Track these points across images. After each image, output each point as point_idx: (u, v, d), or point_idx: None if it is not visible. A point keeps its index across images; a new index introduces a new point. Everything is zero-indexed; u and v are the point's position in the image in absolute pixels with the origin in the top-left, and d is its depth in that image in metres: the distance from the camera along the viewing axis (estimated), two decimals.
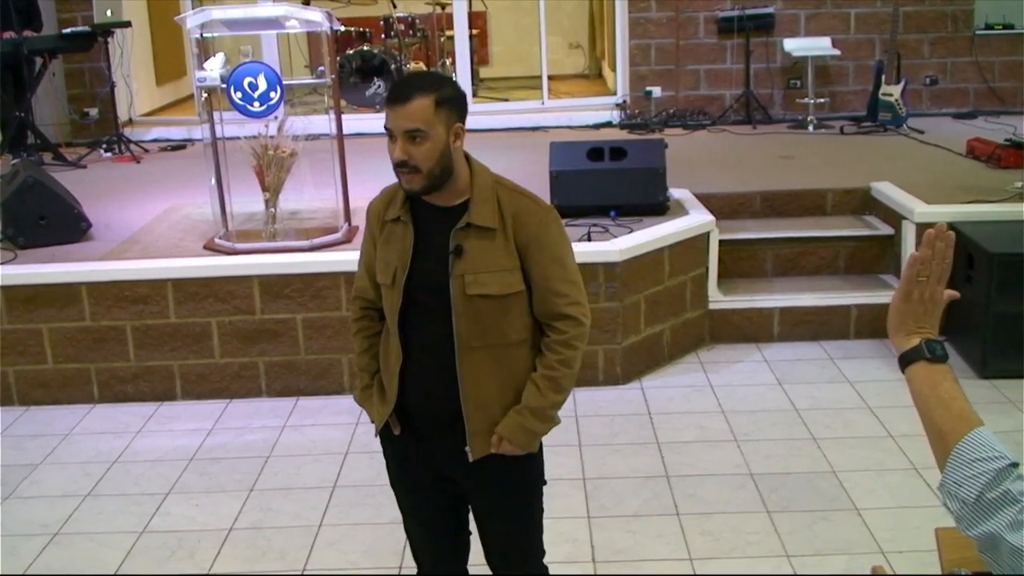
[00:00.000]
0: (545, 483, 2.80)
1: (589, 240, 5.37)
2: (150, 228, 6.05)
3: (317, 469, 4.56)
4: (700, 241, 5.68)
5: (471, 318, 2.55)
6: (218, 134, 5.57)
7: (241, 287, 5.22)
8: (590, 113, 9.18)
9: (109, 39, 8.63)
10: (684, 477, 4.34)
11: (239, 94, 5.31)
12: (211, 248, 5.50)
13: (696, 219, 5.73)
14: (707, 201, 6.11)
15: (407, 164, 2.47)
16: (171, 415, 5.17)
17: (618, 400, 5.13)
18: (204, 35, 5.51)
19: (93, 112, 9.08)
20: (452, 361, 2.57)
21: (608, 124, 8.98)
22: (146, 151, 8.53)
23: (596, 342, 5.21)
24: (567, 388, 2.64)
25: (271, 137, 5.52)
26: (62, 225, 5.76)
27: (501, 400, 2.62)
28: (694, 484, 4.28)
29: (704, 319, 5.73)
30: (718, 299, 5.78)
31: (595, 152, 5.93)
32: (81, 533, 4.14)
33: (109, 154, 8.41)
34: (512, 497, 2.74)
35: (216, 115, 5.56)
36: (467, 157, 2.61)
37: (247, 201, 5.76)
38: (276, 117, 5.50)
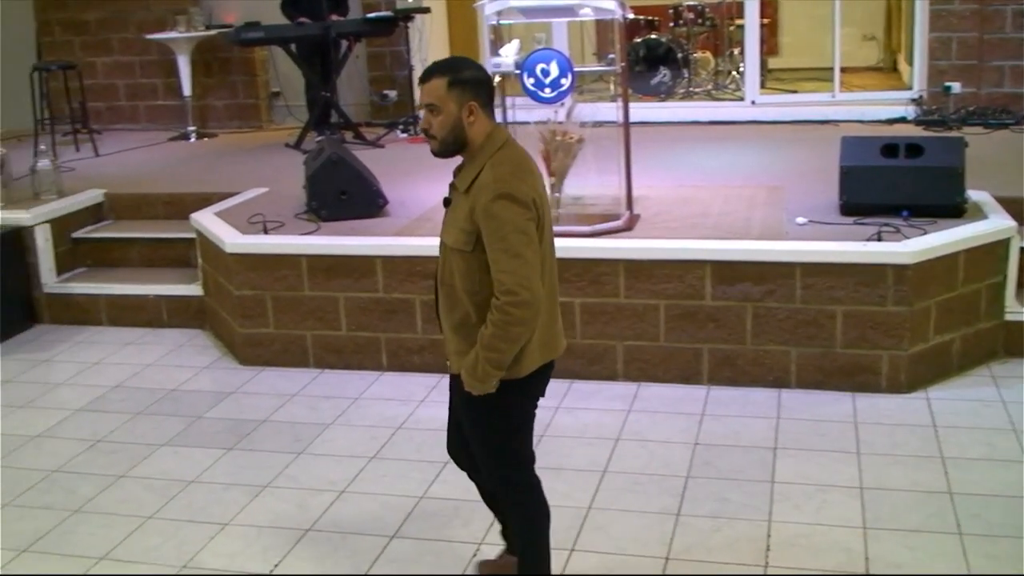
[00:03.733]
0: (507, 421, 3.25)
1: (879, 240, 5.17)
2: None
3: (588, 452, 4.63)
4: (999, 248, 5.35)
5: (443, 261, 3.18)
6: (509, 118, 5.72)
7: None
8: (883, 108, 8.81)
9: (409, 24, 9.02)
10: (969, 496, 4.12)
11: (531, 80, 5.43)
12: None
13: (995, 224, 5.40)
14: (1008, 205, 5.74)
15: (428, 132, 3.05)
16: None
17: (901, 409, 4.92)
18: (500, 22, 5.67)
19: (392, 94, 9.52)
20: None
21: (902, 120, 8.59)
22: None
23: (880, 346, 5.03)
24: (498, 350, 2.99)
25: (559, 123, 5.62)
26: (361, 201, 6.09)
27: (452, 337, 3.19)
28: (980, 504, 4.06)
29: (999, 331, 5.40)
30: (1016, 310, 5.43)
31: (889, 148, 5.69)
32: (365, 493, 4.38)
33: (405, 135, 8.80)
34: (468, 412, 3.26)
35: (508, 100, 5.71)
36: (493, 134, 3.07)
37: None
38: (564, 103, 5.59)
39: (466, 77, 3.01)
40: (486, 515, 4.10)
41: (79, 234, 7.12)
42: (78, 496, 4.52)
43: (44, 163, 7.23)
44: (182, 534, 4.13)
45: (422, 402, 5.23)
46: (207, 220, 6.26)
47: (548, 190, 5.64)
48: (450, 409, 3.46)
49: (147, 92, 10.19)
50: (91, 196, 7.31)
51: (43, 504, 4.48)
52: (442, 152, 3.07)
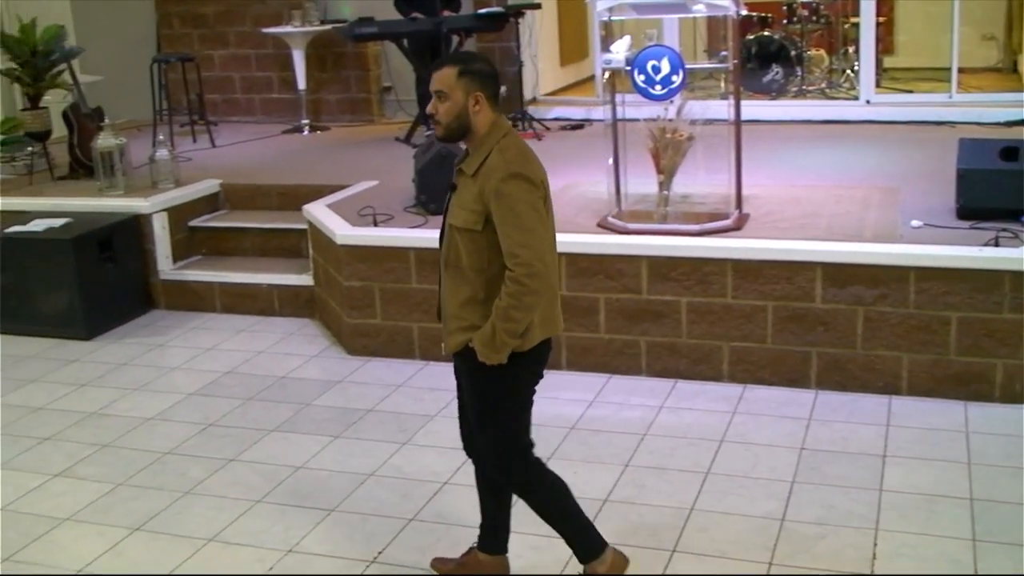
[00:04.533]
0: (511, 397, 3.40)
1: (996, 245, 5.03)
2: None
3: (691, 453, 4.60)
4: None
5: (448, 243, 3.33)
6: (618, 115, 5.70)
7: (630, 266, 5.34)
8: (1002, 109, 8.55)
9: (520, 20, 9.04)
10: None
11: (642, 77, 5.41)
12: (603, 226, 5.65)
13: None
14: None
15: (434, 116, 3.25)
16: (555, 383, 5.34)
17: (1015, 420, 4.78)
18: (611, 18, 5.65)
19: (501, 89, 9.55)
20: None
21: (1021, 123, 8.33)
22: (547, 129, 8.89)
23: (995, 355, 4.90)
24: (514, 319, 3.16)
25: (669, 120, 5.59)
26: None
27: (458, 314, 3.31)
28: None
29: None
30: None
31: (1008, 151, 5.52)
32: (467, 485, 4.38)
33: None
34: (475, 391, 3.40)
35: (617, 96, 5.70)
36: (497, 123, 3.24)
37: (640, 182, 5.85)
38: (674, 101, 5.56)
39: (475, 69, 3.23)
40: (588, 511, 4.08)
41: (195, 223, 7.31)
42: (189, 478, 4.65)
43: (162, 153, 7.44)
44: (288, 519, 4.22)
45: None
46: (319, 212, 6.37)
47: (657, 186, 5.65)
48: (459, 396, 3.60)
49: (262, 85, 10.41)
50: (207, 186, 7.50)
51: (156, 485, 4.62)
52: (445, 137, 3.29)
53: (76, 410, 5.47)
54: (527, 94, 9.40)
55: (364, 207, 6.30)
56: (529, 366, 3.39)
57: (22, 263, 6.68)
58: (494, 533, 3.73)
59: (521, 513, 3.65)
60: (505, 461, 3.48)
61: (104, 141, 7.30)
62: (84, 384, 5.82)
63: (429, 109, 3.27)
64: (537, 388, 3.50)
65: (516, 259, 3.13)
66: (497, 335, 3.19)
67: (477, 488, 3.70)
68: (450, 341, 3.38)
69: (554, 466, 4.45)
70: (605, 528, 3.98)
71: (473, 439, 3.56)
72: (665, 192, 5.67)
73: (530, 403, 3.50)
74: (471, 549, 3.78)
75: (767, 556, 3.79)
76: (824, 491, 4.23)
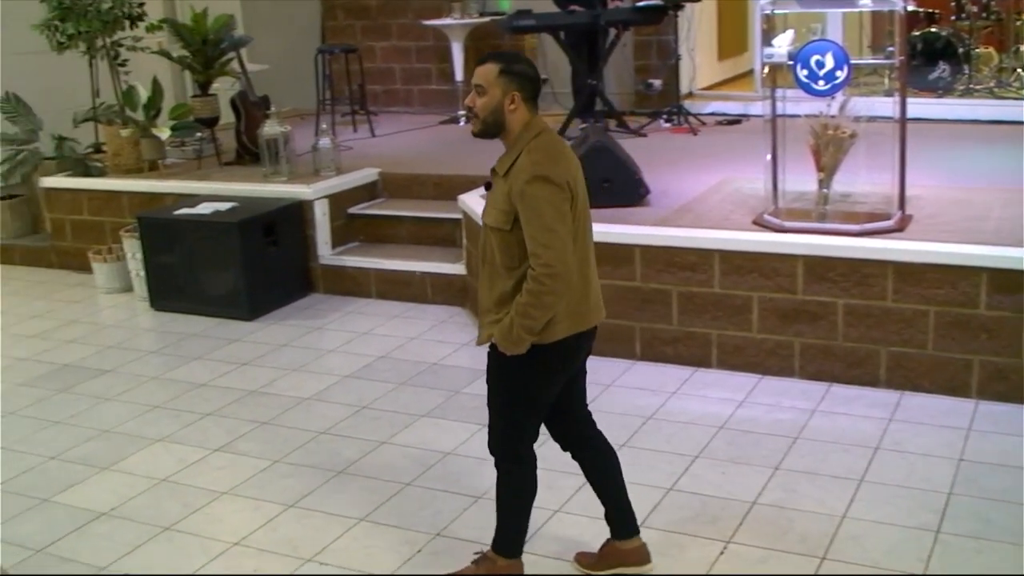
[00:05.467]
0: (531, 390, 3.43)
1: None
2: (703, 199, 6.25)
3: (845, 459, 4.49)
4: None
5: (484, 241, 3.43)
6: (778, 111, 5.60)
7: (785, 265, 5.25)
8: None
9: (679, 13, 8.96)
10: None
11: (804, 72, 5.30)
12: (759, 224, 5.57)
13: None
14: None
15: (471, 110, 3.36)
16: (705, 381, 5.34)
17: None
18: (774, 11, 5.55)
19: (657, 83, 9.49)
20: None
21: None
22: (703, 124, 8.80)
23: None
24: (531, 317, 3.24)
25: (831, 117, 5.46)
26: (623, 189, 6.12)
27: (492, 309, 3.40)
28: None
29: None
30: None
31: None
32: None
33: (668, 124, 8.78)
34: (494, 374, 3.47)
35: (777, 92, 5.60)
36: (530, 124, 3.33)
37: (799, 180, 5.74)
38: (837, 97, 5.43)
39: (516, 70, 3.33)
40: (736, 513, 4.08)
41: (354, 210, 7.48)
42: (342, 458, 4.77)
43: (325, 142, 7.63)
44: (437, 503, 4.29)
45: (674, 394, 5.22)
46: (473, 202, 6.44)
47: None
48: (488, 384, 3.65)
49: (421, 76, 10.58)
50: (366, 174, 7.67)
51: (310, 463, 4.75)
52: (481, 132, 3.38)
53: (237, 387, 5.67)
54: (683, 88, 9.31)
55: None
56: (553, 360, 3.41)
57: (190, 244, 6.95)
58: (622, 515, 3.75)
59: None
60: (503, 446, 3.58)
61: (270, 128, 7.54)
62: (245, 363, 6.03)
63: (467, 101, 3.40)
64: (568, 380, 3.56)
65: (538, 259, 3.21)
66: (514, 330, 3.28)
67: (587, 478, 3.75)
68: (482, 334, 3.49)
69: (701, 465, 4.47)
70: (752, 532, 3.95)
71: (552, 425, 3.66)
72: (824, 190, 5.55)
73: (550, 394, 3.51)
74: (608, 541, 3.79)
75: (920, 568, 3.68)
76: (982, 504, 4.08)
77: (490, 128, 3.36)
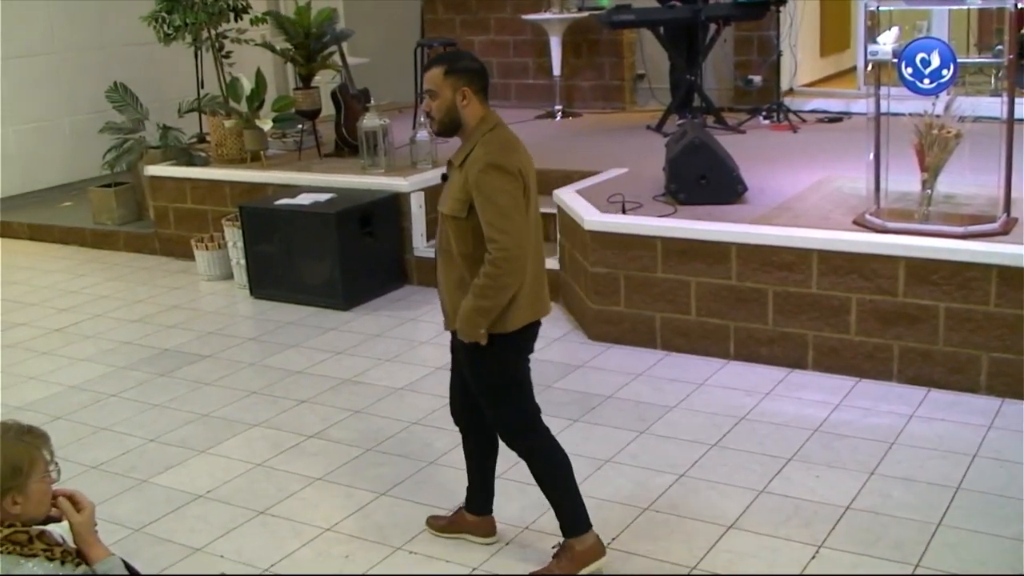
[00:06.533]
0: (505, 373, 3.64)
1: None
2: (802, 197, 6.16)
3: (942, 466, 4.39)
4: None
5: (440, 230, 3.63)
6: (882, 109, 5.49)
7: (886, 267, 5.14)
8: None
9: (781, 8, 8.83)
10: None
11: (909, 70, 5.19)
12: (860, 224, 5.46)
13: None
14: None
15: (428, 114, 3.59)
16: (800, 383, 5.27)
17: None
18: (879, 8, 5.44)
19: (757, 79, 9.38)
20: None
21: None
22: (803, 121, 8.66)
23: None
24: (488, 297, 3.44)
25: (936, 116, 5.34)
26: (720, 186, 6.06)
27: (451, 295, 3.60)
28: None
29: None
30: None
31: None
32: (705, 480, 4.38)
33: (767, 121, 8.66)
34: (471, 369, 3.66)
35: (881, 90, 5.49)
36: (485, 117, 3.54)
37: (901, 180, 5.61)
38: (942, 96, 5.30)
39: (460, 67, 3.54)
40: (829, 517, 4.03)
41: None
42: (433, 449, 4.81)
43: (422, 135, 7.69)
44: (526, 496, 4.30)
45: (767, 395, 5.16)
46: (568, 197, 6.44)
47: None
48: (452, 370, 3.89)
49: (519, 71, 10.60)
50: None
51: (402, 453, 4.81)
52: (440, 131, 3.60)
53: (331, 376, 5.76)
54: (784, 85, 9.18)
55: (613, 194, 6.32)
56: (518, 345, 3.64)
57: (289, 234, 7.07)
58: (482, 494, 4.01)
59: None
60: (513, 431, 3.73)
61: (369, 121, 7.63)
62: (340, 352, 6.12)
63: (424, 107, 3.64)
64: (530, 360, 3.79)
65: (494, 243, 3.41)
66: (470, 313, 3.47)
67: (464, 454, 3.99)
68: (451, 319, 3.66)
69: (795, 468, 4.41)
70: (845, 536, 3.89)
71: (462, 409, 3.88)
72: (928, 191, 5.43)
73: (526, 375, 3.75)
74: (459, 509, 4.07)
75: None
76: None
77: (447, 126, 3.57)
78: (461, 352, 3.69)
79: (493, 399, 3.70)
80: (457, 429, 3.98)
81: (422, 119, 8.00)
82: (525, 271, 3.50)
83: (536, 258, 3.60)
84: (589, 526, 3.74)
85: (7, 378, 6.00)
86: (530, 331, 3.66)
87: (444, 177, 3.72)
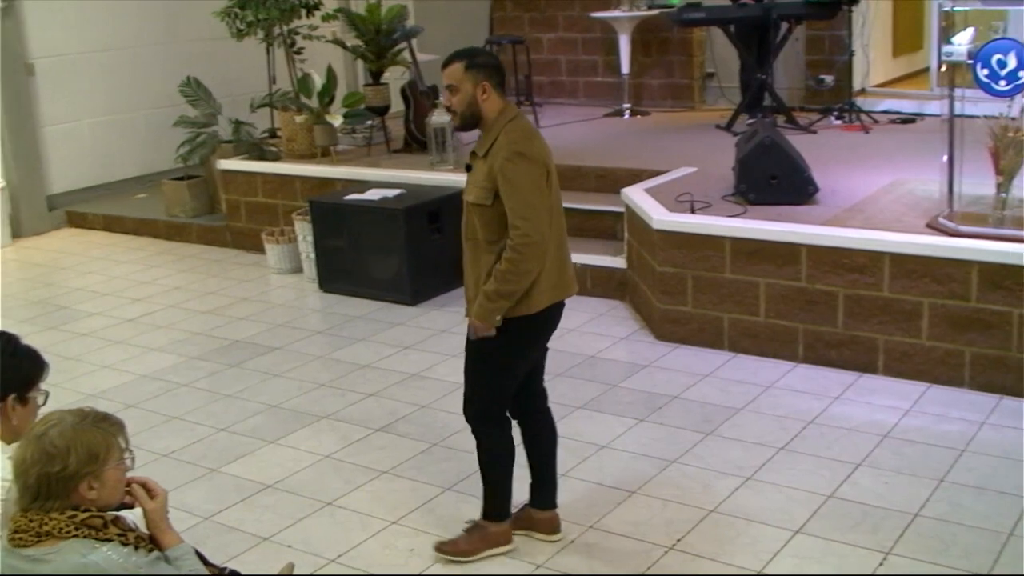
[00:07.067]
0: (511, 355, 3.72)
1: None
2: (874, 199, 6.09)
3: (1014, 475, 4.32)
4: None
5: (466, 219, 3.69)
6: (956, 110, 5.41)
7: (959, 271, 5.07)
8: None
9: (853, 8, 8.72)
10: None
11: (985, 71, 5.13)
12: (933, 227, 5.39)
13: None
14: None
15: (450, 108, 3.67)
16: (870, 387, 5.21)
17: None
18: (954, 8, 5.37)
19: (828, 79, 9.27)
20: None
21: None
22: (875, 122, 8.55)
23: None
24: (510, 282, 3.53)
25: (1012, 119, 5.25)
26: (791, 187, 6.01)
27: (476, 283, 3.65)
28: None
29: None
30: None
31: None
32: (772, 483, 4.36)
33: (839, 122, 8.56)
34: (474, 351, 3.75)
35: (955, 91, 5.41)
36: (505, 109, 3.64)
37: (976, 183, 5.53)
38: (1018, 98, 5.22)
39: (480, 62, 3.63)
40: (897, 523, 3.99)
41: None
42: None
43: None
44: (591, 496, 4.31)
45: (837, 399, 5.11)
46: (636, 195, 6.43)
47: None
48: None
49: (587, 68, 10.59)
50: None
51: (467, 448, 4.77)
52: (462, 126, 3.70)
53: (398, 370, 5.81)
54: (856, 85, 9.07)
55: (682, 193, 6.30)
56: (534, 329, 3.73)
57: (357, 229, 7.14)
58: (547, 490, 4.02)
59: None
60: (480, 413, 3.82)
61: (437, 118, 7.67)
62: (407, 347, 6.17)
63: (444, 102, 3.71)
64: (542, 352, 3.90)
65: (517, 230, 3.50)
66: (491, 295, 3.55)
67: (524, 446, 3.99)
68: (471, 308, 3.70)
69: (863, 474, 4.37)
70: (913, 544, 3.85)
71: (516, 398, 3.87)
72: (1003, 195, 5.34)
73: (526, 361, 3.81)
74: (525, 507, 4.04)
75: None
76: None
77: (468, 120, 3.67)
78: (471, 328, 3.74)
79: (480, 376, 3.79)
80: (516, 423, 3.99)
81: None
82: (545, 257, 3.59)
83: (558, 242, 3.69)
84: (507, 517, 3.93)
85: (82, 366, 6.14)
86: (553, 312, 3.74)
87: (468, 168, 3.78)
